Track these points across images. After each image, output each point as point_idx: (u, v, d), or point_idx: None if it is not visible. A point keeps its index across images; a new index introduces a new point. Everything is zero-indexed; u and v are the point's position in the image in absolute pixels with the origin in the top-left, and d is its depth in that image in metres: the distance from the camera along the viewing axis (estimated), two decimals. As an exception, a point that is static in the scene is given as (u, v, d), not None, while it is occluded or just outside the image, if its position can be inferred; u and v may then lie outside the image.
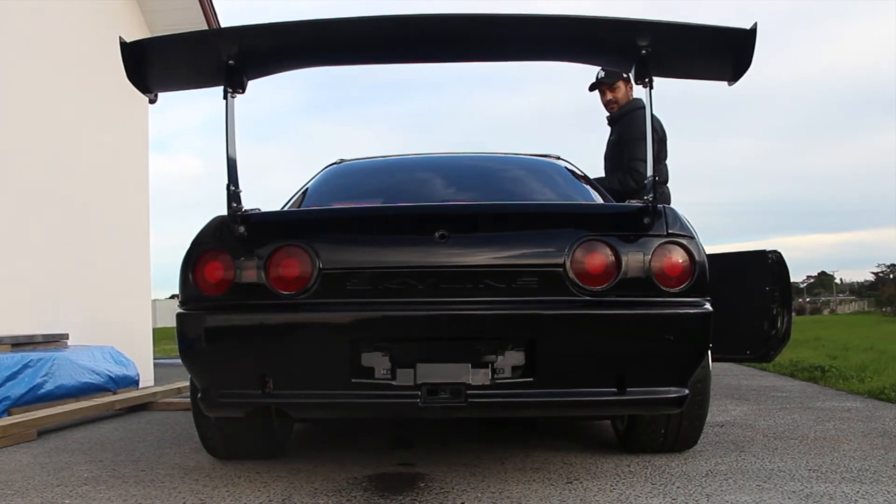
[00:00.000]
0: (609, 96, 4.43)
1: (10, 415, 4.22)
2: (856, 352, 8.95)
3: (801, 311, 61.95)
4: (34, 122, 5.65)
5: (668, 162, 4.41)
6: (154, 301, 20.16)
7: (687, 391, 2.41)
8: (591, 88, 4.48)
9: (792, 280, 3.40)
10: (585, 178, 3.68)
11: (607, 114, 4.49)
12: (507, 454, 3.06)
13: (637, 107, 4.27)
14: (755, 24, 2.39)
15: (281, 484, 2.64)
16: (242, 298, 2.43)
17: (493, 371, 2.35)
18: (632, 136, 4.19)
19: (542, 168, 3.73)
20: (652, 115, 2.54)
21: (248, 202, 2.51)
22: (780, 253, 3.25)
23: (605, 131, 4.54)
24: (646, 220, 2.41)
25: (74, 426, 4.22)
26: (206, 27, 7.12)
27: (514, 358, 2.37)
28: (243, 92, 2.56)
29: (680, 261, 2.39)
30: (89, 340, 5.73)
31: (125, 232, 6.89)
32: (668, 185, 4.40)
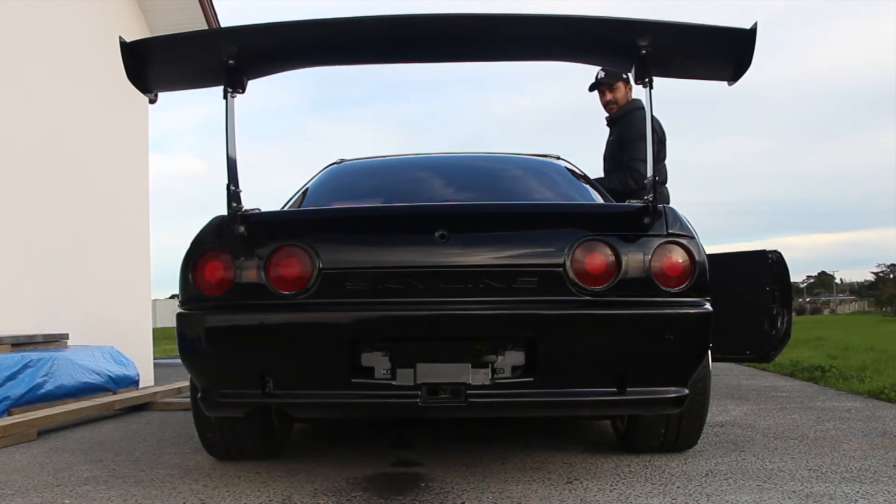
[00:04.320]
0: (608, 97, 4.43)
1: (10, 415, 4.22)
2: (856, 352, 8.94)
3: (801, 311, 61.97)
4: (34, 122, 5.64)
5: (667, 162, 4.41)
6: (154, 301, 20.16)
7: (687, 391, 2.41)
8: (591, 89, 4.48)
9: (792, 280, 3.40)
10: (585, 178, 3.68)
11: (606, 114, 4.50)
12: (507, 454, 3.06)
13: (636, 107, 4.27)
14: (755, 24, 2.39)
15: (281, 484, 2.64)
16: (242, 298, 2.43)
17: (494, 371, 2.35)
18: (631, 137, 4.20)
19: (542, 168, 3.73)
20: (652, 115, 2.54)
21: (248, 202, 2.51)
22: (780, 253, 3.25)
23: (605, 131, 4.55)
24: (646, 220, 2.41)
25: (74, 426, 4.22)
26: (206, 27, 7.11)
27: (514, 358, 2.37)
28: (243, 92, 2.56)
29: (680, 261, 2.39)
30: (89, 340, 5.74)
31: (125, 232, 6.89)
32: (668, 185, 4.41)
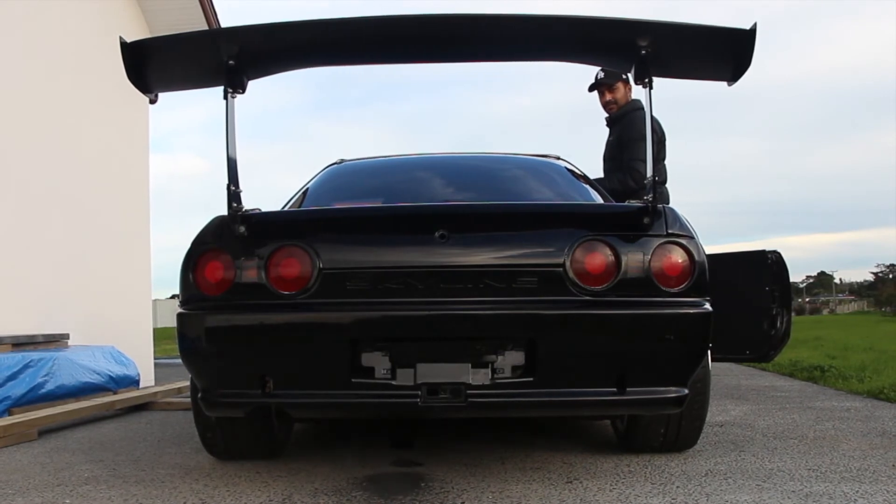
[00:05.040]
0: (608, 97, 4.43)
1: (10, 414, 4.22)
2: (855, 352, 8.94)
3: (800, 311, 62.01)
4: (35, 122, 5.65)
5: (667, 162, 4.41)
6: (154, 301, 20.14)
7: (687, 391, 2.42)
8: (591, 89, 4.49)
9: (791, 280, 3.40)
10: (585, 178, 3.68)
11: (606, 115, 4.50)
12: (507, 454, 3.06)
13: (636, 108, 4.27)
14: (755, 24, 2.39)
15: (281, 484, 2.64)
16: (243, 298, 2.43)
17: (493, 371, 2.35)
18: (631, 137, 4.20)
19: (542, 168, 3.74)
20: (651, 115, 2.55)
21: (249, 202, 2.51)
22: (779, 253, 3.25)
23: (604, 131, 4.55)
24: (646, 220, 2.41)
25: (75, 426, 4.22)
26: (206, 27, 7.12)
27: (514, 358, 2.37)
28: (243, 92, 2.57)
29: (680, 261, 2.39)
30: (90, 340, 5.74)
31: (126, 232, 6.89)
32: (667, 185, 4.41)
